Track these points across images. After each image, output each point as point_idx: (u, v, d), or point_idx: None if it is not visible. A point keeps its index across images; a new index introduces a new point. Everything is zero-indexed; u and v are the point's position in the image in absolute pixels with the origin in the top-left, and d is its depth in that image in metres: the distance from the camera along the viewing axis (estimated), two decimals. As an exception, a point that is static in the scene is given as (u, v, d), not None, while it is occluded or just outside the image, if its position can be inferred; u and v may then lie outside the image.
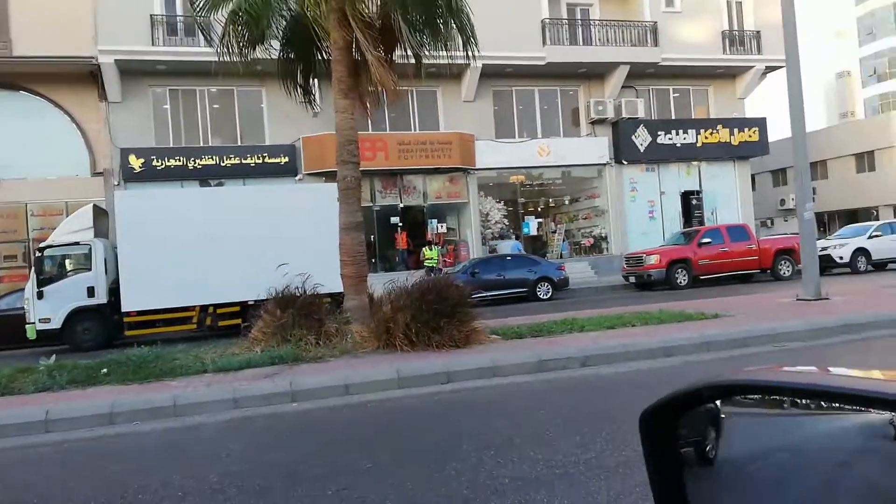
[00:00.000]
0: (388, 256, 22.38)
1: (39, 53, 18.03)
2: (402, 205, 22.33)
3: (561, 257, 23.72)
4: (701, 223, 23.99)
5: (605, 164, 24.23)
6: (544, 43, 22.69)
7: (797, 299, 11.48)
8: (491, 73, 21.91)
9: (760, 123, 25.69)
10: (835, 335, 8.52)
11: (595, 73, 24.04)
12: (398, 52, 10.46)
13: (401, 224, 21.94)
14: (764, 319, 9.43)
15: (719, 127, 25.03)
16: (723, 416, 1.04)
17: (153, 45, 19.20)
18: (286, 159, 20.59)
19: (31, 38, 17.97)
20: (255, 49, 10.25)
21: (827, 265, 18.41)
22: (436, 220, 22.69)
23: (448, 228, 23.14)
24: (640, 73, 24.09)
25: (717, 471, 1.04)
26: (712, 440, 1.05)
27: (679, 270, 19.00)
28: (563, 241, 24.84)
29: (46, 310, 13.35)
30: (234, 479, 4.39)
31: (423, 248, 20.52)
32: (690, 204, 24.94)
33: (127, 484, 4.47)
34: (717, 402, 1.05)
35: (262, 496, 4.07)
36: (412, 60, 10.64)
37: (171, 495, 4.16)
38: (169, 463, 4.97)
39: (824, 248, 19.16)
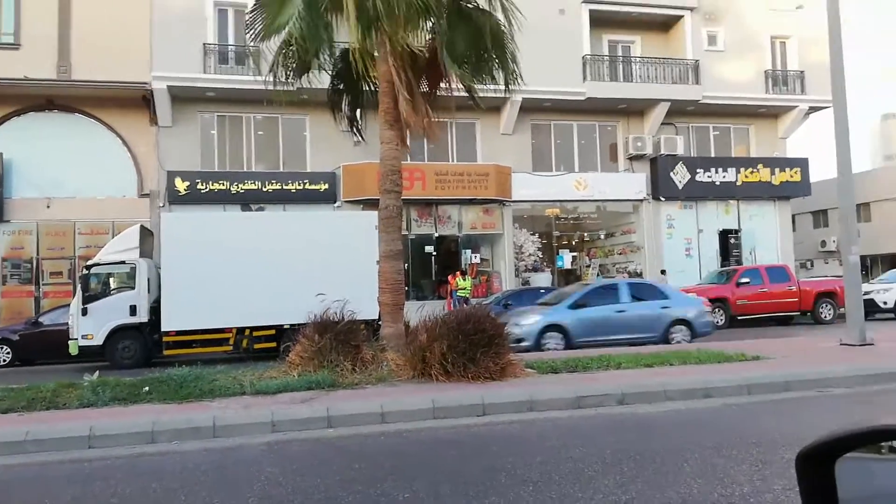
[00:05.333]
0: (421, 285, 22.48)
1: (96, 78, 18.83)
2: (436, 234, 22.48)
3: (595, 292, 23.49)
4: (739, 263, 23.59)
5: (642, 200, 24.09)
6: (585, 78, 22.85)
7: (841, 344, 11.19)
8: (530, 107, 22.11)
9: (802, 164, 25.32)
10: (883, 382, 8.28)
11: (634, 110, 24.07)
12: (444, 84, 10.70)
13: (461, 268, 21.89)
14: (807, 363, 9.21)
15: (760, 166, 24.74)
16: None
17: (205, 72, 19.87)
18: (326, 186, 20.96)
19: (90, 62, 18.79)
20: (300, 78, 10.55)
21: (870, 310, 17.89)
22: (469, 251, 22.76)
23: (482, 259, 23.17)
24: (680, 111, 24.04)
25: None
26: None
27: (716, 310, 18.67)
28: (598, 276, 24.64)
29: (89, 326, 13.70)
30: (274, 503, 4.43)
31: (457, 278, 20.55)
32: (728, 243, 24.56)
33: (169, 503, 4.55)
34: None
35: (302, 521, 4.10)
36: (456, 93, 10.85)
37: (212, 516, 4.21)
38: (209, 484, 5.03)
39: (868, 293, 18.65)
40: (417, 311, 10.04)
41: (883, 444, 1.03)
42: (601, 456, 5.34)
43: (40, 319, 15.99)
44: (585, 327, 12.99)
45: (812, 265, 33.62)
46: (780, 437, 5.69)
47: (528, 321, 13.15)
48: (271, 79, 10.53)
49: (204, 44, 19.96)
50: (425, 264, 22.50)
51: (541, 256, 23.95)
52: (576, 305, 13.44)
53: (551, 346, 12.75)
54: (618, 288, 14.15)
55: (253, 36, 10.37)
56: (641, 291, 14.36)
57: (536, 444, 6.03)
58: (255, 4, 10.56)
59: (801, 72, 24.87)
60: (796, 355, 10.20)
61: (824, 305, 19.30)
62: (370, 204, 17.45)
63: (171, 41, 19.31)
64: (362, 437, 6.50)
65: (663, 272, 22.67)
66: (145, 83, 19.23)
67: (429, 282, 22.65)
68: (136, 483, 5.16)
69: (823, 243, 33.31)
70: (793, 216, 27.08)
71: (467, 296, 19.67)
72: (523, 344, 12.17)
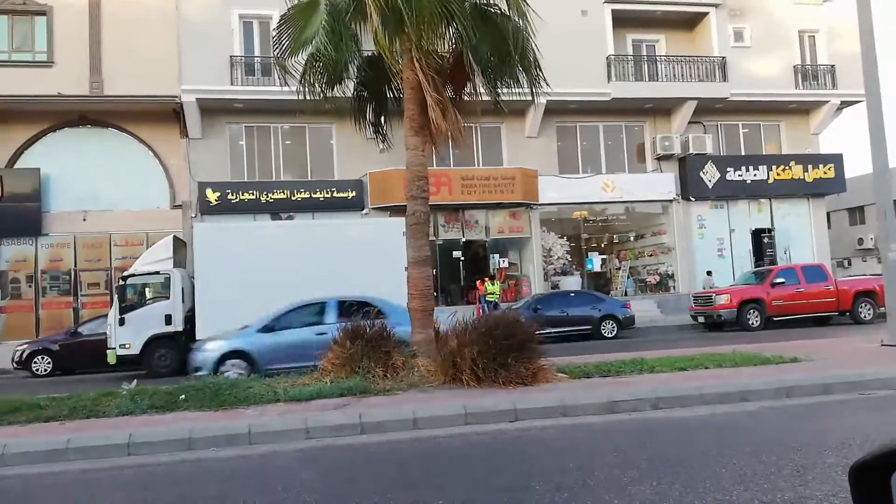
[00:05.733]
0: (450, 291, 22.50)
1: (128, 93, 19.29)
2: (464, 239, 22.49)
3: (625, 295, 23.29)
4: (773, 262, 23.18)
5: (671, 201, 23.82)
6: (609, 79, 22.70)
7: (882, 345, 10.89)
8: (555, 110, 22.03)
9: (836, 160, 24.79)
10: (927, 384, 8.04)
11: (661, 109, 23.83)
12: (468, 88, 10.72)
13: (490, 273, 21.88)
14: (847, 365, 8.99)
15: (792, 163, 24.30)
16: None
17: (232, 84, 20.21)
18: (353, 194, 21.13)
19: (121, 78, 19.28)
20: (333, 89, 10.68)
21: (912, 309, 17.41)
22: (497, 255, 22.72)
23: (510, 263, 23.11)
24: (708, 109, 23.74)
25: None
26: None
27: (751, 311, 18.34)
28: (628, 278, 24.41)
29: (126, 336, 13.98)
30: (310, 510, 4.47)
31: (486, 283, 20.52)
32: (762, 242, 24.16)
33: (208, 509, 4.61)
34: None
35: (339, 528, 4.12)
36: (481, 98, 10.86)
37: (250, 523, 4.26)
38: (247, 490, 5.08)
39: (909, 291, 18.13)
40: (448, 318, 10.05)
41: None
42: (637, 462, 5.27)
43: (79, 329, 16.37)
44: (276, 353, 11.41)
45: (850, 264, 32.82)
46: (822, 442, 5.56)
47: (209, 347, 11.76)
48: (301, 91, 10.68)
49: (230, 56, 20.31)
50: (453, 270, 22.52)
51: (570, 259, 23.80)
52: (268, 329, 11.85)
53: (232, 375, 10.62)
54: (324, 307, 12.28)
55: (280, 52, 10.49)
56: (354, 310, 11.55)
57: (570, 449, 5.98)
58: (280, 20, 10.69)
59: (832, 66, 24.38)
60: (836, 357, 9.96)
61: (863, 305, 18.82)
62: (397, 210, 17.53)
63: (199, 55, 19.70)
64: (395, 443, 6.52)
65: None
66: (175, 96, 19.63)
67: (457, 287, 22.66)
68: (175, 490, 5.24)
69: (861, 241, 32.52)
70: (828, 213, 26.53)
71: (497, 300, 19.62)
72: (201, 373, 10.59)
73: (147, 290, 15.06)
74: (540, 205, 22.67)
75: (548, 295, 20.07)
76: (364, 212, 21.14)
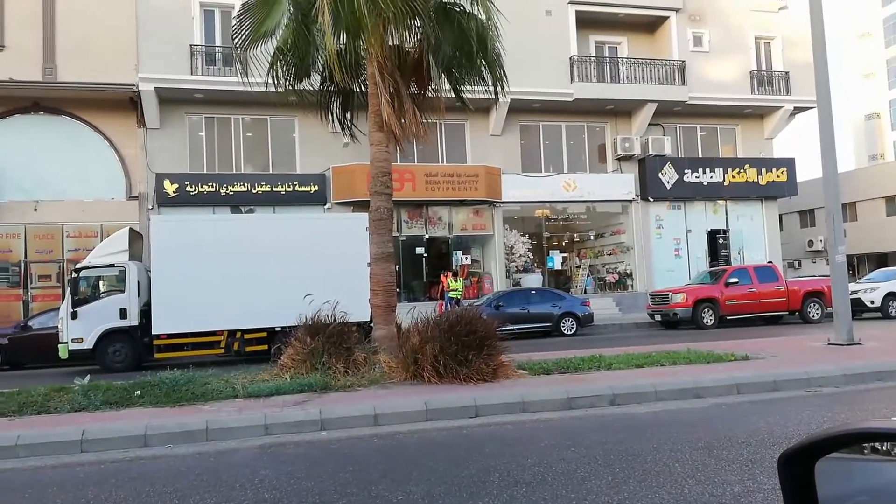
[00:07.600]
0: (412, 287, 22.50)
1: (83, 80, 18.72)
2: (427, 235, 22.51)
3: (585, 293, 23.65)
4: (727, 262, 23.80)
5: (630, 201, 24.25)
6: (572, 80, 22.97)
7: (829, 343, 11.31)
8: (519, 108, 22.19)
9: (789, 164, 25.58)
10: (869, 381, 8.39)
11: (622, 110, 24.22)
12: (432, 85, 10.73)
13: (453, 269, 21.86)
14: (795, 363, 9.31)
15: (747, 166, 24.97)
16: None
17: (192, 73, 19.80)
18: (316, 188, 20.94)
19: (76, 64, 18.70)
20: (301, 82, 10.56)
21: (857, 309, 18.12)
22: (460, 252, 22.80)
23: (472, 260, 23.22)
24: (667, 111, 24.22)
25: None
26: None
27: (706, 310, 18.81)
28: (588, 276, 24.79)
29: (79, 330, 13.59)
30: (269, 507, 4.44)
31: (448, 280, 20.57)
32: (717, 243, 24.78)
33: (164, 507, 4.54)
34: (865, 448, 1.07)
35: (298, 524, 4.11)
36: (445, 95, 10.88)
37: (207, 520, 4.22)
38: (203, 487, 5.03)
39: (854, 292, 18.85)
40: (409, 313, 10.07)
41: (865, 444, 1.07)
42: (593, 457, 5.38)
43: (30, 323, 15.85)
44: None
45: (800, 265, 33.94)
46: (770, 437, 5.76)
47: None
48: (267, 84, 10.54)
49: (191, 45, 19.90)
50: (416, 266, 22.52)
51: (531, 257, 24.04)
52: None
53: None
54: None
55: (240, 41, 10.32)
56: None
57: (529, 445, 6.06)
58: (240, 10, 10.53)
59: (786, 72, 25.13)
60: (785, 355, 10.30)
61: (812, 305, 19.48)
62: (360, 205, 17.46)
63: (158, 42, 19.25)
64: (355, 439, 6.51)
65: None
66: (132, 85, 19.14)
67: (420, 283, 22.68)
68: (130, 487, 5.15)
69: (811, 243, 33.64)
70: (780, 216, 27.36)
71: (459, 297, 19.69)
72: None
73: (101, 283, 14.64)
74: (503, 202, 22.83)
75: (509, 292, 20.22)
76: (327, 206, 20.97)
